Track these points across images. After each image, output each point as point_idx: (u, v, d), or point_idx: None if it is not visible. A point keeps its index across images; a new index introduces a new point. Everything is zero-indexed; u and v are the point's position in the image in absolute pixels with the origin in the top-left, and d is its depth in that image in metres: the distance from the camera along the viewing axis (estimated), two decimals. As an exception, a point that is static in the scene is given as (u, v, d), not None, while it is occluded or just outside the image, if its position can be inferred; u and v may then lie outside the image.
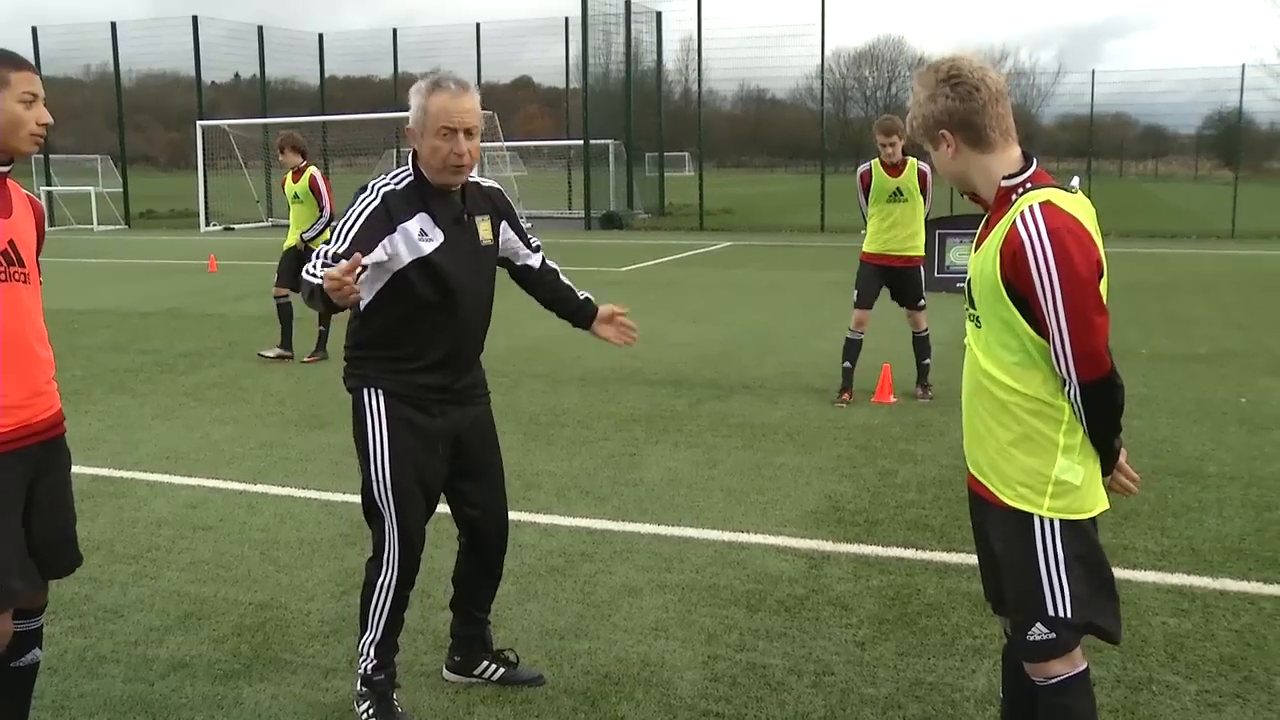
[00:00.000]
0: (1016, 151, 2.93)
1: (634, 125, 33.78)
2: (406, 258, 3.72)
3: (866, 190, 9.18)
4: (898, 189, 9.00)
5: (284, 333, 11.28)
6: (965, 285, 3.04)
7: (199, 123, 34.60)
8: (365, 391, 3.87)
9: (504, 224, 4.09)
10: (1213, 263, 20.52)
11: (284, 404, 9.22)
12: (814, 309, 14.52)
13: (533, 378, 10.02)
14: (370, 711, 3.96)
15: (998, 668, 4.34)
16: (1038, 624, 2.90)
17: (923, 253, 9.25)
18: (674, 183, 39.94)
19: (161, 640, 4.74)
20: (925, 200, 9.13)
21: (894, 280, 9.16)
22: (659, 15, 35.24)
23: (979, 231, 3.04)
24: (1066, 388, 2.81)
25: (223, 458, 7.59)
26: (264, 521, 6.25)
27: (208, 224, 33.49)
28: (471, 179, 3.94)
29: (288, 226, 11.59)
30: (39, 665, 3.69)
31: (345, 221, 3.71)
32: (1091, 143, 35.81)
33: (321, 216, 11.23)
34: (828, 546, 5.77)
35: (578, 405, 8.98)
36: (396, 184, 3.78)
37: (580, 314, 4.42)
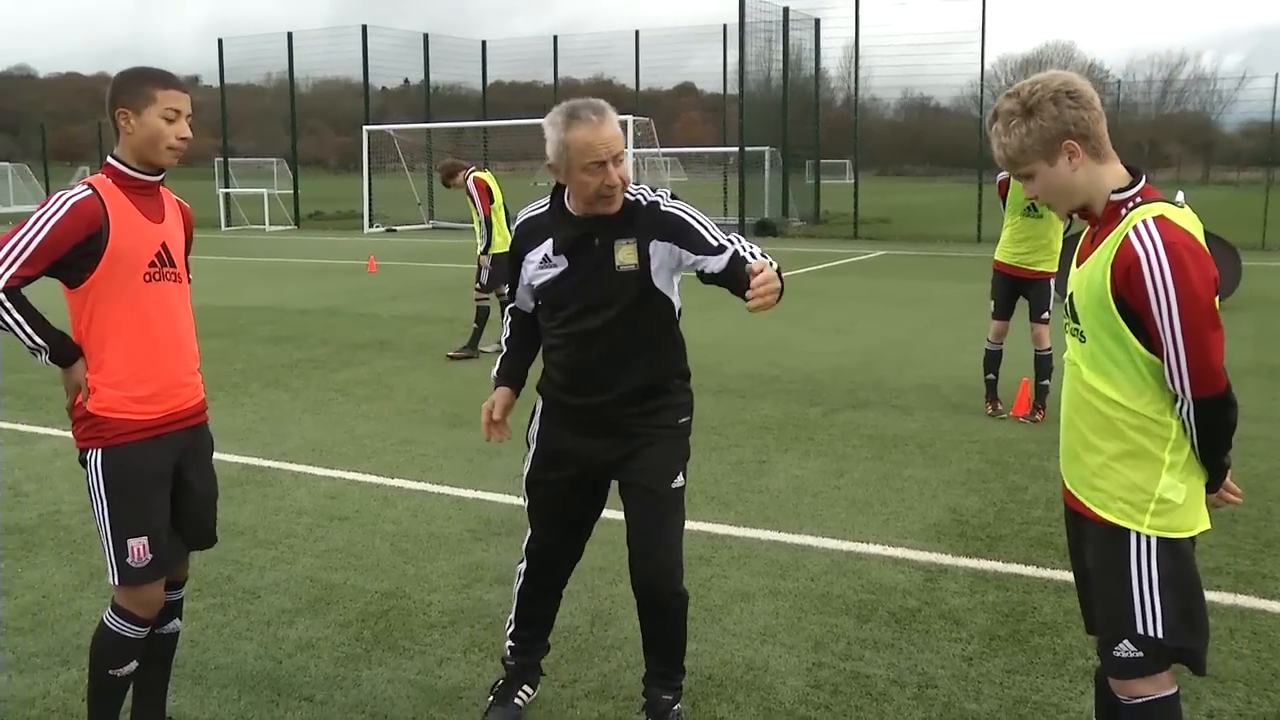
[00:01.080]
0: (1121, 167, 2.92)
1: (793, 132, 33.68)
2: (534, 282, 3.87)
3: (1004, 198, 9.01)
4: (1033, 204, 8.76)
5: (474, 333, 11.74)
6: (1067, 300, 3.02)
7: (365, 127, 35.80)
8: (537, 395, 4.06)
9: (661, 245, 3.74)
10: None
11: (426, 402, 9.53)
12: (960, 321, 14.30)
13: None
14: (493, 687, 4.23)
15: (1108, 690, 4.27)
16: (1125, 641, 2.88)
17: (1054, 269, 8.95)
18: (832, 190, 39.64)
19: (292, 621, 5.00)
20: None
21: (1024, 291, 9.00)
22: (817, 22, 35.07)
23: (1080, 245, 3.03)
24: (1179, 404, 2.79)
25: (364, 452, 7.89)
26: (397, 514, 6.50)
27: (371, 225, 34.60)
28: (631, 198, 3.74)
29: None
30: (179, 635, 3.99)
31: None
32: (1274, 150, 34.29)
33: (483, 225, 11.70)
34: (946, 560, 5.74)
35: (712, 412, 9.05)
36: (535, 212, 3.91)
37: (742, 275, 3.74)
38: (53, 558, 5.81)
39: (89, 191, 3.44)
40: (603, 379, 3.83)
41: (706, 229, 3.76)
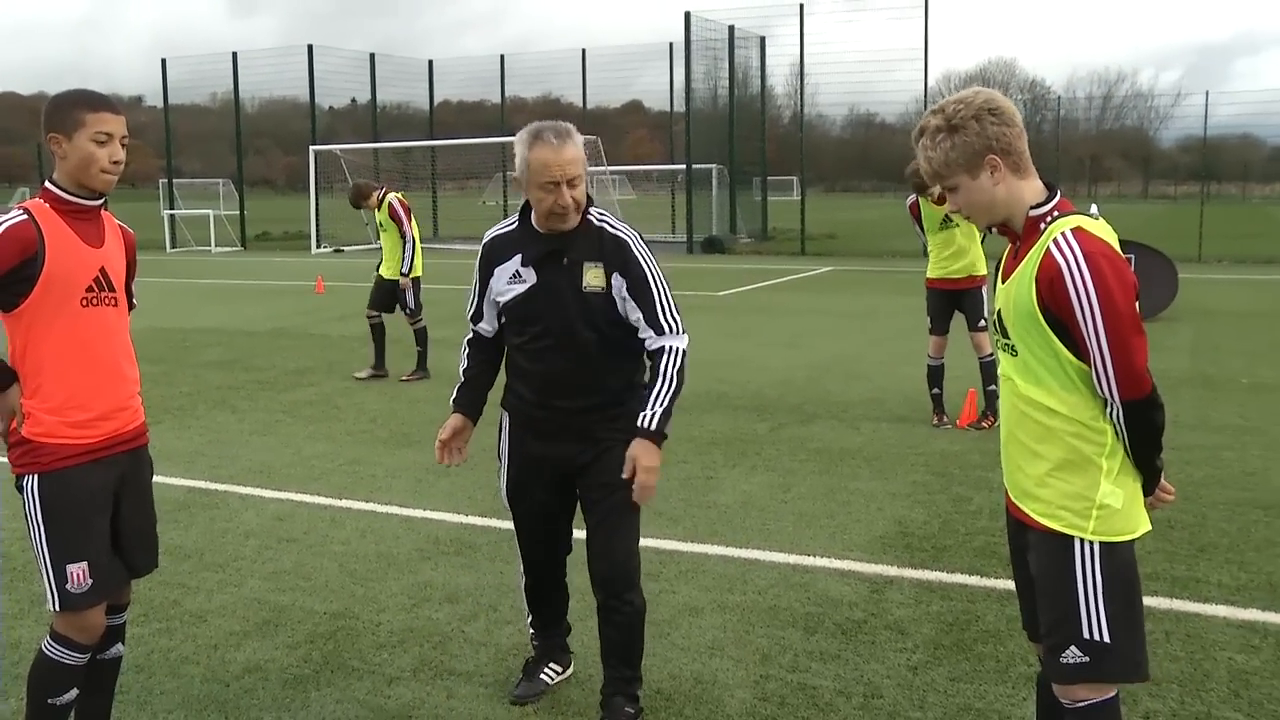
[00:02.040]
0: (1039, 182, 3.01)
1: (739, 149, 33.92)
2: (500, 298, 4.06)
3: (917, 219, 9.26)
4: (946, 216, 9.01)
5: (377, 352, 11.64)
6: (995, 316, 3.10)
7: (312, 147, 35.66)
8: (501, 410, 4.27)
9: (617, 276, 3.93)
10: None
11: (375, 422, 9.51)
12: (908, 335, 14.43)
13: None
14: (524, 667, 4.54)
15: (1049, 696, 4.35)
16: (1072, 646, 2.94)
17: (984, 273, 9.16)
18: (779, 207, 39.93)
19: (240, 644, 4.98)
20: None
21: (959, 302, 9.20)
22: (762, 40, 35.38)
23: (1003, 262, 3.11)
24: (1108, 408, 2.86)
25: (312, 473, 7.87)
26: (345, 535, 6.48)
27: (318, 246, 34.43)
28: (599, 223, 3.96)
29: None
30: (122, 660, 3.95)
31: (473, 282, 4.20)
32: (1208, 165, 35.00)
33: (406, 245, 11.67)
34: (892, 571, 5.81)
35: (661, 428, 9.08)
36: (503, 230, 4.10)
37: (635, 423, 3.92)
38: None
39: (24, 216, 3.42)
40: (569, 389, 4.01)
41: (661, 300, 3.97)
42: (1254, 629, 5.07)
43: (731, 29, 33.21)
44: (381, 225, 11.78)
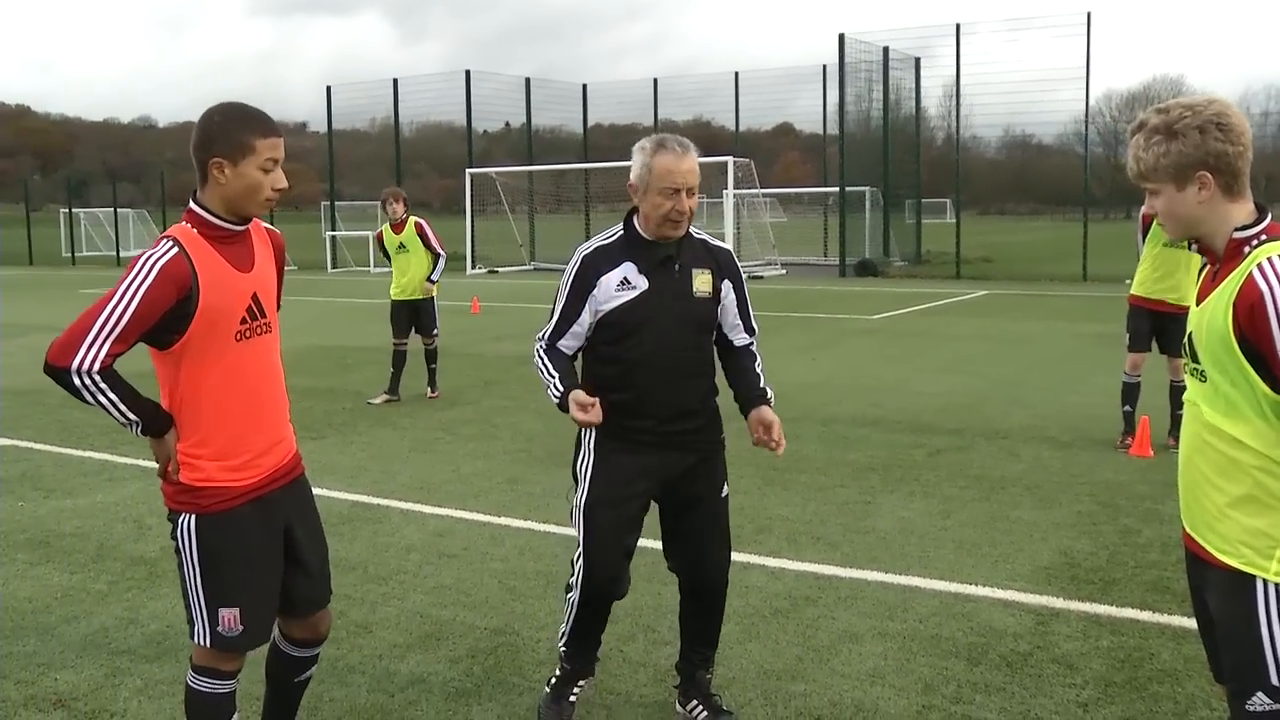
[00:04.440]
0: (1250, 204, 2.86)
1: (893, 172, 33.54)
2: (605, 306, 4.02)
3: (1145, 230, 8.97)
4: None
5: (394, 378, 11.82)
6: (1186, 340, 2.97)
7: (469, 170, 36.45)
8: (583, 430, 4.15)
9: (727, 283, 4.20)
10: None
11: (532, 441, 9.64)
12: (1068, 361, 14.07)
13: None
14: (549, 683, 4.46)
15: (1231, 739, 4.16)
16: (1259, 693, 2.79)
17: (1190, 302, 8.87)
18: (932, 230, 39.32)
19: (403, 656, 5.08)
20: None
21: (1159, 325, 8.93)
22: (918, 61, 34.95)
23: (1200, 283, 2.98)
24: None
25: (471, 490, 8.01)
26: (505, 552, 6.58)
27: (473, 266, 35.12)
28: (699, 236, 4.19)
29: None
30: (308, 684, 3.97)
31: (558, 297, 4.12)
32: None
33: (439, 258, 11.93)
34: (1058, 603, 5.64)
35: (817, 452, 9.03)
36: (604, 241, 4.10)
37: (749, 396, 4.23)
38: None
39: (175, 249, 3.24)
40: (665, 399, 4.07)
41: (749, 303, 4.34)
42: None
43: (886, 50, 32.88)
44: (405, 246, 11.90)
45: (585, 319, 4.06)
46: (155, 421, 3.33)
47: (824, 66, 37.50)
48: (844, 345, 15.97)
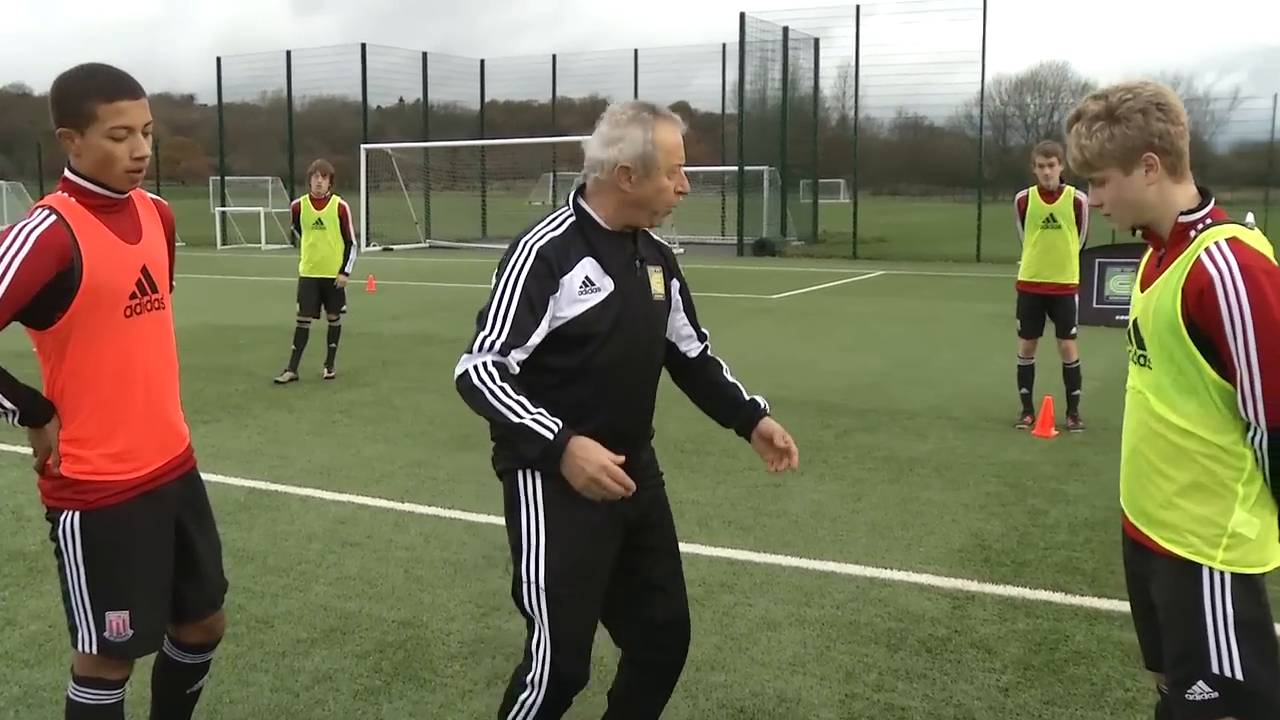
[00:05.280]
0: (1193, 187, 2.81)
1: (789, 152, 33.68)
2: (567, 314, 3.16)
3: (1022, 216, 9.16)
4: (1051, 215, 8.99)
5: (294, 356, 11.55)
6: (1130, 326, 2.91)
7: (363, 145, 35.75)
8: (522, 475, 3.24)
9: (675, 283, 3.53)
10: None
11: (434, 424, 9.41)
12: (968, 341, 14.22)
13: (680, 404, 9.96)
14: None
15: (1150, 723, 4.17)
16: (1200, 682, 2.74)
17: (1076, 281, 9.12)
18: (828, 210, 39.63)
19: (308, 652, 4.87)
20: (1081, 230, 9.04)
21: (1049, 308, 9.11)
22: (816, 42, 35.12)
23: (1143, 269, 2.92)
24: (1251, 433, 2.67)
25: (373, 475, 7.77)
26: (410, 540, 6.37)
27: (368, 244, 34.48)
28: (658, 238, 3.52)
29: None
30: (199, 696, 3.72)
31: (503, 297, 3.13)
32: (1272, 170, 34.42)
33: (351, 247, 11.70)
34: (973, 586, 5.62)
35: (724, 433, 8.82)
36: (553, 230, 3.21)
37: (741, 414, 3.73)
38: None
39: (53, 218, 2.96)
40: (629, 424, 3.33)
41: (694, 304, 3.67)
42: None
43: (786, 30, 32.97)
44: (322, 223, 11.60)
45: (543, 329, 3.14)
46: (34, 410, 3.08)
47: (723, 45, 37.47)
48: (745, 325, 15.95)
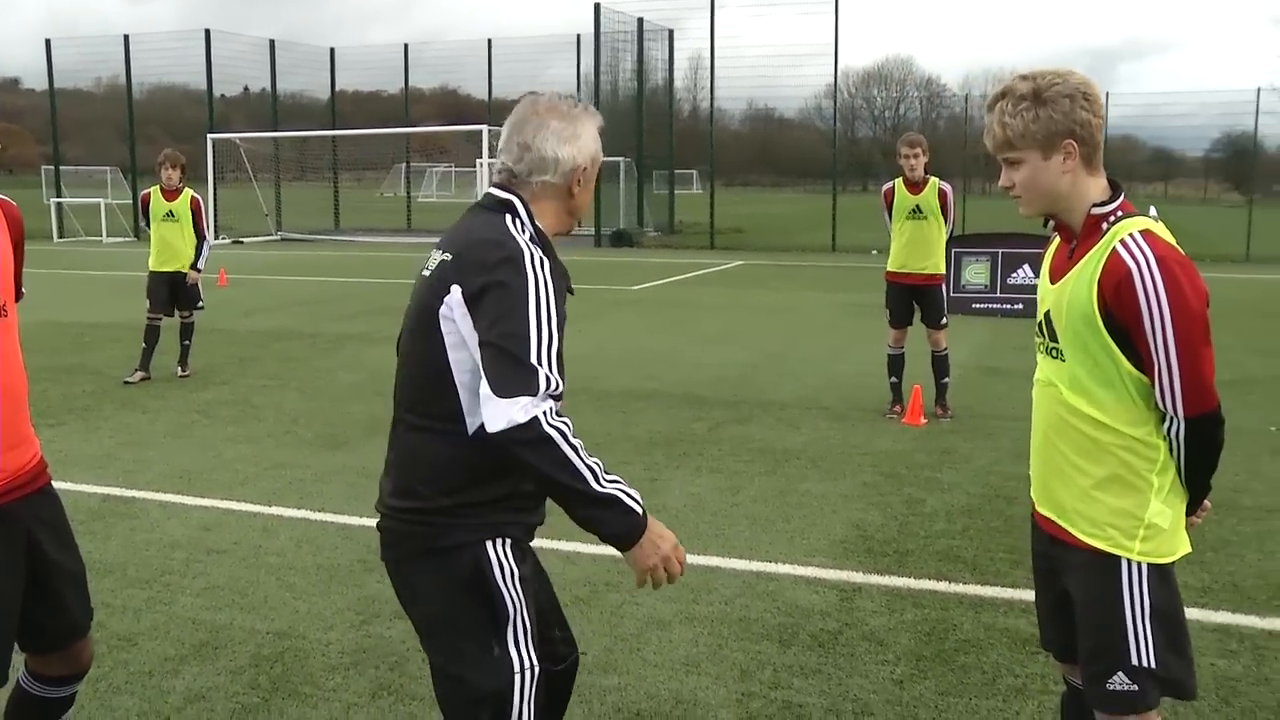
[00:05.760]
0: (1104, 180, 2.80)
1: (644, 143, 33.72)
2: None
3: (889, 207, 9.24)
4: (917, 206, 9.09)
5: (145, 354, 11.08)
6: (1041, 318, 2.88)
7: (210, 136, 34.58)
8: (491, 546, 2.71)
9: None
10: (1230, 287, 20.30)
11: (297, 423, 9.08)
12: (830, 331, 14.38)
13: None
14: None
15: (1041, 709, 4.22)
16: (1119, 673, 2.75)
17: (943, 271, 9.29)
18: (683, 200, 39.82)
19: (177, 671, 4.60)
20: (946, 220, 9.15)
21: (916, 298, 9.20)
22: (670, 33, 35.20)
23: (1051, 260, 2.91)
24: (1168, 424, 2.67)
25: (237, 478, 7.44)
26: (280, 545, 6.11)
27: (217, 237, 33.38)
28: None
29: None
30: None
31: (543, 323, 2.54)
32: (1108, 164, 35.75)
33: (204, 242, 11.31)
34: (858, 578, 5.62)
35: (596, 427, 8.84)
36: (526, 238, 2.68)
37: None
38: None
39: None
40: None
41: None
42: (1229, 633, 4.98)
43: (640, 21, 32.97)
44: (174, 215, 11.14)
45: None
46: None
47: (578, 36, 37.29)
48: (609, 316, 15.86)
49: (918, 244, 9.14)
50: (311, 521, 6.51)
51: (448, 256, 2.69)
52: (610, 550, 5.92)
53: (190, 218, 11.14)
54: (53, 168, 38.55)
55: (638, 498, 2.60)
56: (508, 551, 2.72)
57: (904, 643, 4.84)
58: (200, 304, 11.51)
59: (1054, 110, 2.69)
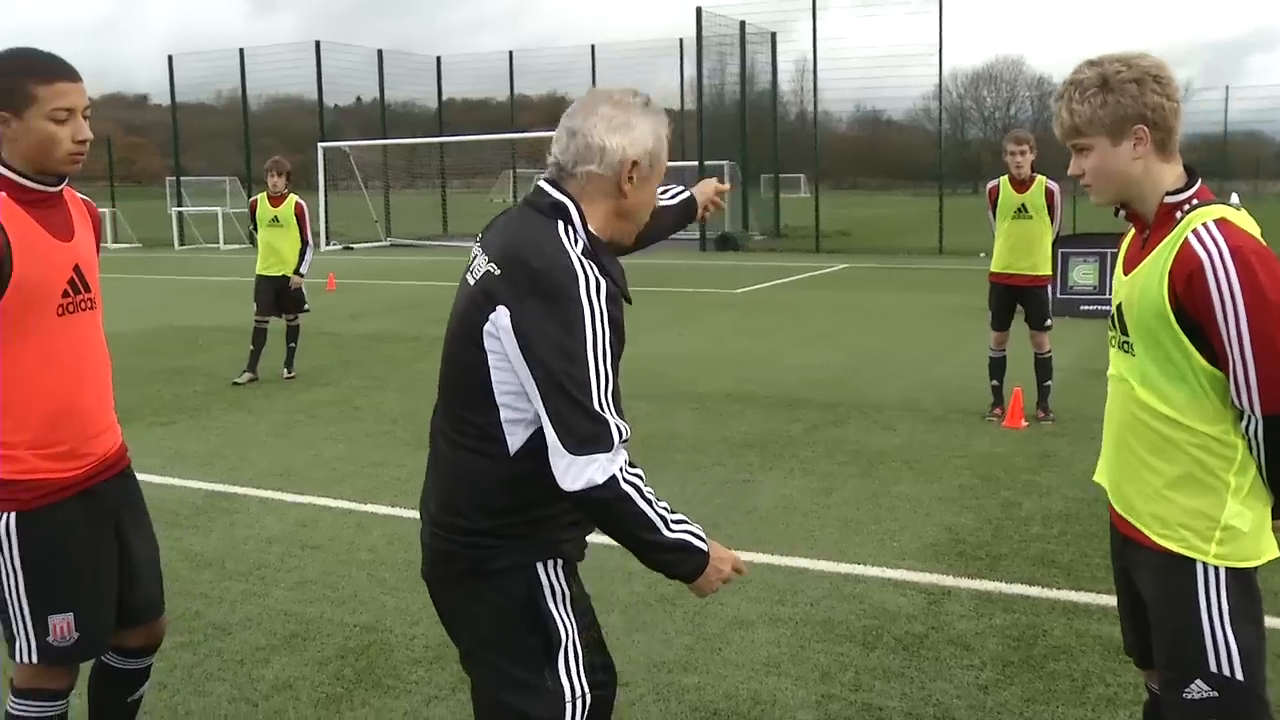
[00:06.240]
0: (1180, 167, 2.70)
1: (749, 146, 33.62)
2: None
3: (994, 205, 9.07)
4: (1023, 205, 8.89)
5: (253, 356, 11.34)
6: (1114, 311, 2.80)
7: (321, 144, 35.37)
8: (543, 568, 2.60)
9: None
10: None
11: (396, 424, 9.23)
12: (932, 333, 14.17)
13: (643, 399, 9.87)
14: None
15: None
16: (1198, 680, 2.64)
17: (1048, 273, 9.08)
18: (789, 204, 39.60)
19: (268, 660, 4.71)
20: (1053, 220, 8.94)
21: (1020, 299, 9.01)
22: (774, 36, 35.06)
23: (1126, 251, 2.82)
24: (1245, 422, 2.56)
25: (334, 476, 7.60)
26: (372, 542, 6.22)
27: (327, 243, 34.14)
28: None
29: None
30: (141, 702, 3.57)
31: (601, 366, 2.42)
32: (1225, 162, 34.71)
33: (307, 248, 11.55)
34: (948, 581, 5.53)
35: (690, 429, 8.84)
36: (580, 251, 2.50)
37: (684, 208, 3.34)
38: None
39: None
40: None
41: None
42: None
43: (743, 25, 32.89)
44: (279, 220, 11.43)
45: None
46: None
47: (680, 40, 37.34)
48: (708, 319, 15.85)
49: (1022, 243, 8.94)
50: (404, 519, 6.60)
51: (494, 269, 2.52)
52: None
53: (295, 223, 11.42)
54: (174, 179, 39.76)
55: (701, 534, 2.54)
56: (559, 572, 2.61)
57: (991, 648, 4.75)
58: (306, 307, 11.78)
59: (1122, 95, 2.60)
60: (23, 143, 2.93)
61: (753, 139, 33.93)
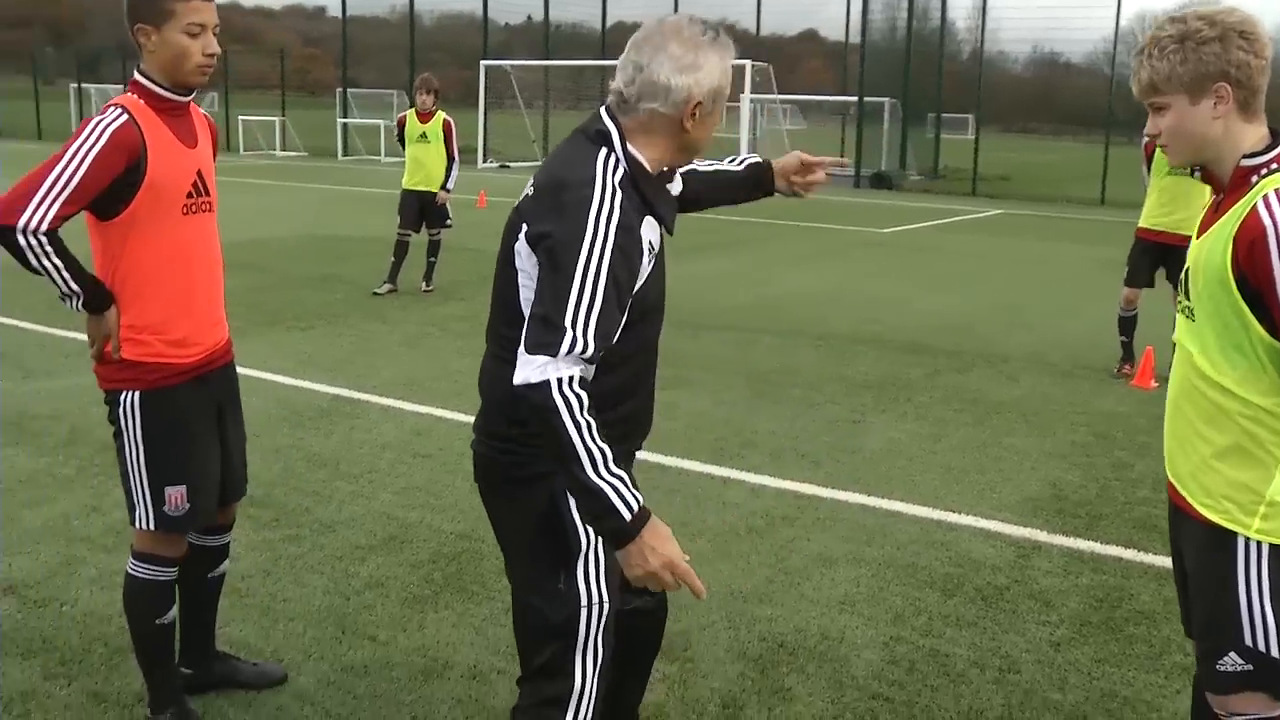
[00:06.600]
0: (1265, 128, 2.62)
1: (914, 84, 32.85)
2: (636, 286, 2.62)
3: (1149, 160, 8.68)
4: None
5: (394, 268, 11.71)
6: (1183, 275, 2.75)
7: (483, 62, 35.80)
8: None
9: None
10: None
11: (522, 341, 9.44)
12: (1075, 285, 13.79)
13: (770, 334, 9.91)
14: None
15: (1204, 687, 4.04)
16: (1232, 653, 2.62)
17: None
18: (952, 145, 38.57)
19: (364, 559, 4.96)
20: None
21: (1167, 259, 8.63)
22: (949, -29, 34.02)
23: (1204, 215, 2.75)
24: None
25: (455, 388, 7.84)
26: (480, 454, 6.43)
27: (484, 160, 34.69)
28: None
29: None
30: (224, 578, 3.88)
31: (587, 282, 2.44)
32: None
33: (454, 164, 11.79)
34: (1041, 536, 5.49)
35: (810, 366, 8.84)
36: (618, 186, 2.55)
37: (753, 180, 3.29)
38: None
39: (125, 116, 3.18)
40: (647, 404, 2.90)
41: None
42: None
43: (915, -43, 32.01)
44: (426, 137, 11.69)
45: (622, 321, 2.54)
46: (97, 296, 3.28)
47: (851, -30, 36.53)
48: (849, 257, 15.69)
49: (1177, 201, 8.45)
50: (514, 435, 6.80)
51: (530, 190, 2.66)
52: (793, 485, 6.03)
53: (442, 139, 11.69)
54: (343, 90, 40.73)
55: (632, 503, 2.40)
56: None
57: (1072, 606, 4.72)
58: (449, 222, 12.07)
59: (1204, 51, 2.51)
60: (160, 54, 3.22)
61: (917, 77, 33.12)
